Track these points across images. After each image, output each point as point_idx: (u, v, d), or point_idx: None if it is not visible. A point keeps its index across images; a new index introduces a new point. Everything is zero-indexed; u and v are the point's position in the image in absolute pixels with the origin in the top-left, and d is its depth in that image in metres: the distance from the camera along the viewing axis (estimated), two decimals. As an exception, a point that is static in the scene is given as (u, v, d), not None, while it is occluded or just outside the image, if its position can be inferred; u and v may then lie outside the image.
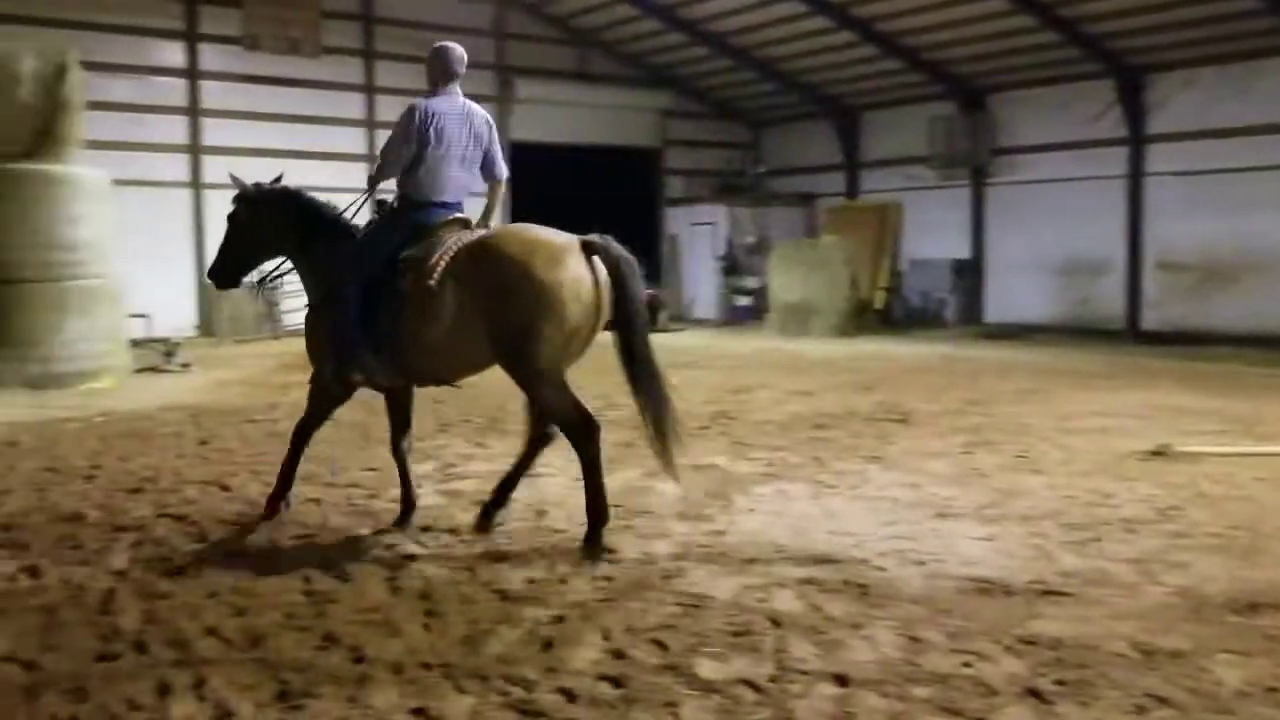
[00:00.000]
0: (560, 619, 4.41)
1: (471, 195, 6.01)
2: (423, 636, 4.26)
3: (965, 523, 5.97)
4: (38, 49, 11.96)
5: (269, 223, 6.10)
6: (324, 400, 6.03)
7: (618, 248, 5.41)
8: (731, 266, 21.60)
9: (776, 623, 4.33)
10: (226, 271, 6.27)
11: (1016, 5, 16.28)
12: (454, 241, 5.53)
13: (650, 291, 19.70)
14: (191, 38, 18.13)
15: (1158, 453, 7.69)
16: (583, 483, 5.43)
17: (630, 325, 5.42)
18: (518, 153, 21.39)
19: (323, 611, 4.55)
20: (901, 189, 21.03)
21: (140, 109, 17.43)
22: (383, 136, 19.15)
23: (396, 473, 6.05)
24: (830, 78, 20.94)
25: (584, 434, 5.37)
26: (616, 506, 6.26)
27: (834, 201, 22.41)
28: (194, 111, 18.14)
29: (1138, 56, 16.85)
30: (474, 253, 5.41)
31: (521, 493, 6.65)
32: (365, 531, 5.83)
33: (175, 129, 17.94)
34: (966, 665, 3.94)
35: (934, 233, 20.37)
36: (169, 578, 5.01)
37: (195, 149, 18.02)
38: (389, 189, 5.94)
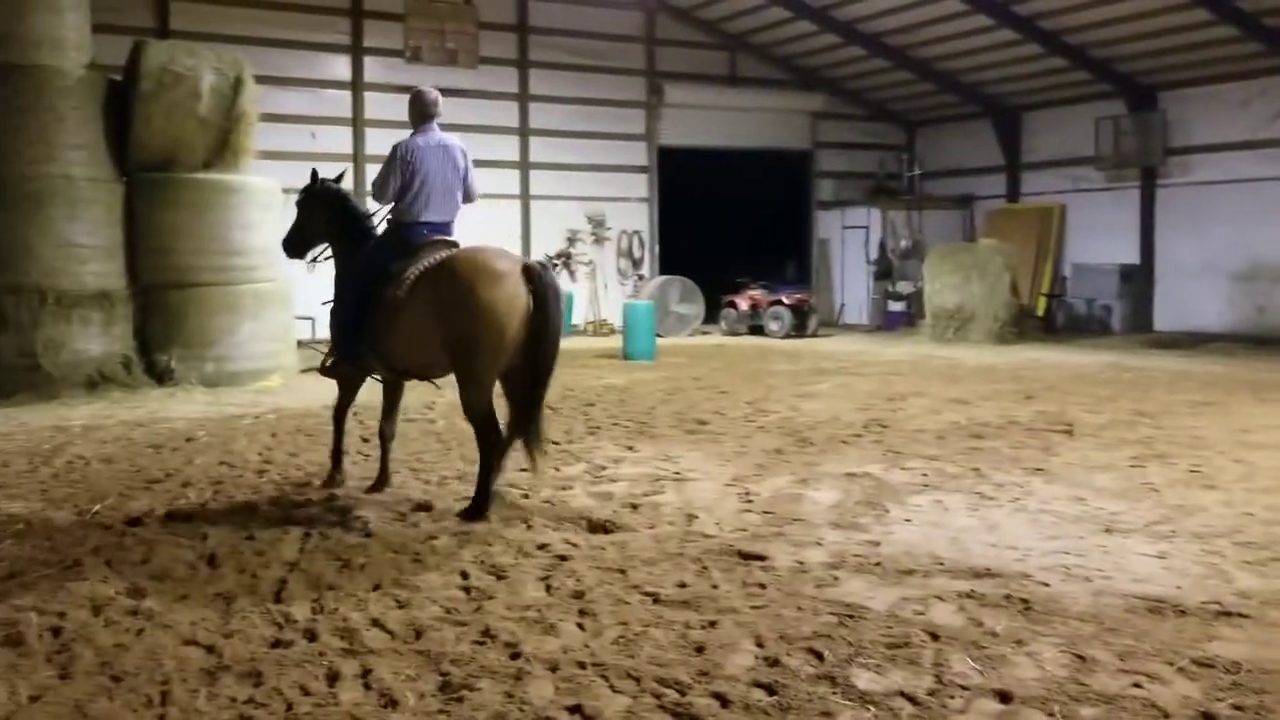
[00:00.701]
0: (713, 624, 4.40)
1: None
2: (577, 636, 4.30)
3: (1135, 539, 5.73)
4: (215, 65, 12.58)
5: (319, 215, 7.15)
6: (343, 386, 7.12)
7: (550, 276, 6.24)
8: (884, 271, 21.22)
9: (935, 636, 4.23)
10: (292, 245, 7.37)
11: (1192, -1, 15.60)
12: (429, 259, 6.38)
13: (799, 296, 19.74)
14: (357, 51, 18.84)
15: (1346, 469, 7.24)
16: (485, 470, 6.27)
17: (537, 343, 6.17)
18: (666, 157, 21.59)
19: (480, 607, 4.64)
20: (1065, 191, 20.37)
21: (308, 120, 18.19)
22: (535, 144, 19.60)
23: (380, 450, 7.04)
24: (990, 77, 20.44)
25: (489, 438, 6.24)
26: (767, 514, 6.27)
27: (993, 204, 21.83)
28: (357, 122, 18.83)
29: (1324, 50, 15.94)
30: (435, 270, 6.29)
31: (670, 497, 6.72)
32: (520, 530, 5.94)
33: (340, 139, 18.64)
34: (1136, 686, 3.77)
35: (1100, 236, 19.65)
36: (336, 570, 5.20)
37: (358, 158, 18.69)
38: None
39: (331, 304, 6.93)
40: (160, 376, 11.87)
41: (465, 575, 5.10)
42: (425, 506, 6.46)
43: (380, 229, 6.95)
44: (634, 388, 12.02)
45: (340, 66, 18.84)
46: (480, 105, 19.58)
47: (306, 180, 7.27)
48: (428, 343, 6.24)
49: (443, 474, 7.43)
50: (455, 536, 5.80)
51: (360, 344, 6.58)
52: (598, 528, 5.95)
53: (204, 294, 12.24)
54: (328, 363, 7.08)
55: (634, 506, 6.48)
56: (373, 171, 19.15)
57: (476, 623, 4.43)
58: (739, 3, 20.23)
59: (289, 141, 17.23)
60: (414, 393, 11.78)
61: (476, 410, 6.22)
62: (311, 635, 4.31)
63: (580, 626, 4.41)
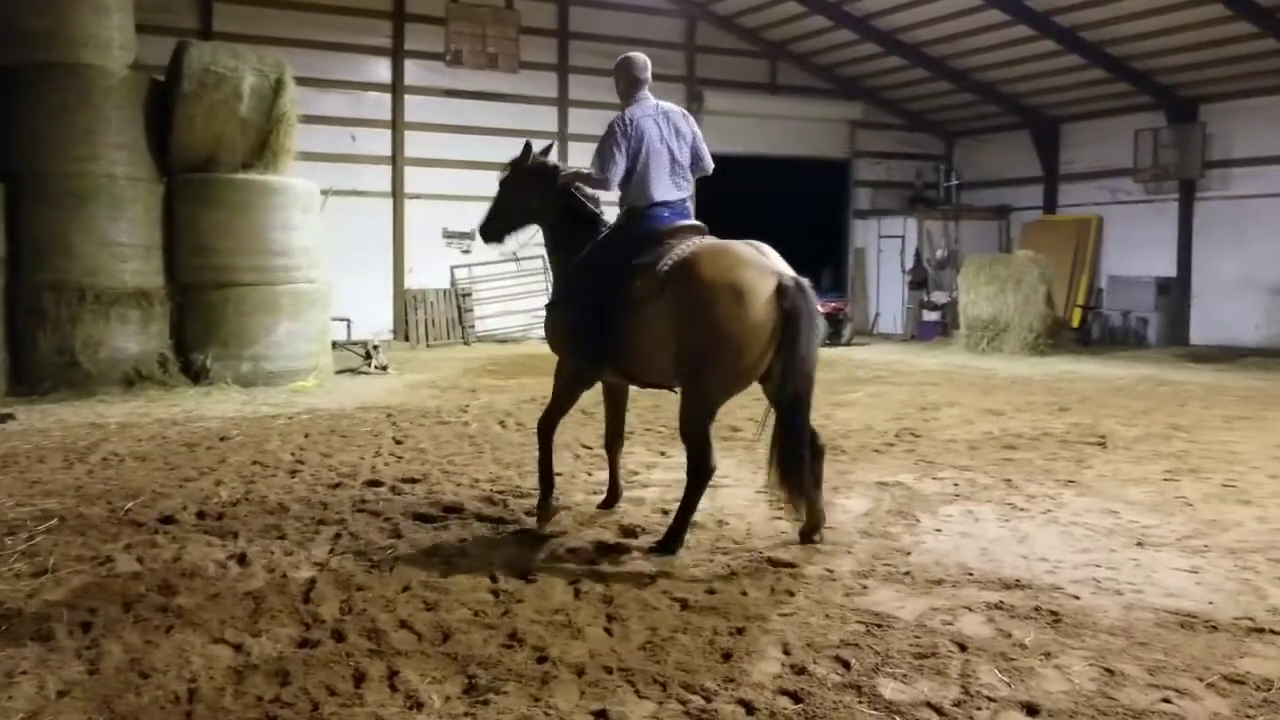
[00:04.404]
0: (740, 631, 4.39)
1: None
2: (604, 640, 4.30)
3: (1167, 553, 5.66)
4: (257, 66, 12.69)
5: (533, 195, 6.35)
6: (567, 393, 6.31)
7: (806, 300, 5.35)
8: (920, 280, 21.14)
9: (963, 646, 4.20)
10: (493, 230, 6.61)
11: (1234, 11, 15.41)
12: (679, 251, 5.63)
13: (834, 304, 19.68)
14: (397, 54, 18.98)
15: (1387, 488, 7.12)
16: (681, 497, 5.76)
17: (784, 375, 5.44)
18: (704, 164, 21.55)
19: (509, 610, 4.65)
20: (1104, 203, 20.20)
21: (349, 123, 18.37)
22: (575, 149, 19.51)
23: (608, 465, 6.61)
24: (1030, 88, 20.31)
25: (702, 467, 5.60)
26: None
27: (1030, 215, 21.68)
28: (397, 125, 18.97)
29: (1370, 62, 15.72)
30: (680, 269, 5.53)
31: (701, 503, 6.69)
32: (551, 533, 5.95)
33: (379, 141, 18.79)
34: (1166, 701, 3.73)
35: (1137, 249, 19.48)
36: (366, 571, 5.23)
37: (397, 160, 18.84)
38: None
39: (556, 303, 6.30)
40: (196, 375, 11.98)
41: (494, 578, 5.10)
42: (455, 509, 6.50)
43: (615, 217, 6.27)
44: (667, 394, 11.99)
45: (381, 69, 18.98)
46: (520, 110, 19.65)
47: (511, 155, 6.56)
48: (667, 350, 5.55)
49: (474, 477, 7.45)
50: (484, 539, 5.83)
51: (604, 343, 5.82)
52: (628, 533, 5.96)
53: (242, 294, 12.34)
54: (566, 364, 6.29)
55: (665, 512, 6.45)
56: (413, 174, 19.57)
57: (504, 626, 4.44)
58: (780, 11, 20.21)
59: (329, 143, 17.40)
60: (449, 394, 11.87)
61: (692, 435, 5.59)
62: (339, 635, 4.33)
63: (608, 631, 4.41)
